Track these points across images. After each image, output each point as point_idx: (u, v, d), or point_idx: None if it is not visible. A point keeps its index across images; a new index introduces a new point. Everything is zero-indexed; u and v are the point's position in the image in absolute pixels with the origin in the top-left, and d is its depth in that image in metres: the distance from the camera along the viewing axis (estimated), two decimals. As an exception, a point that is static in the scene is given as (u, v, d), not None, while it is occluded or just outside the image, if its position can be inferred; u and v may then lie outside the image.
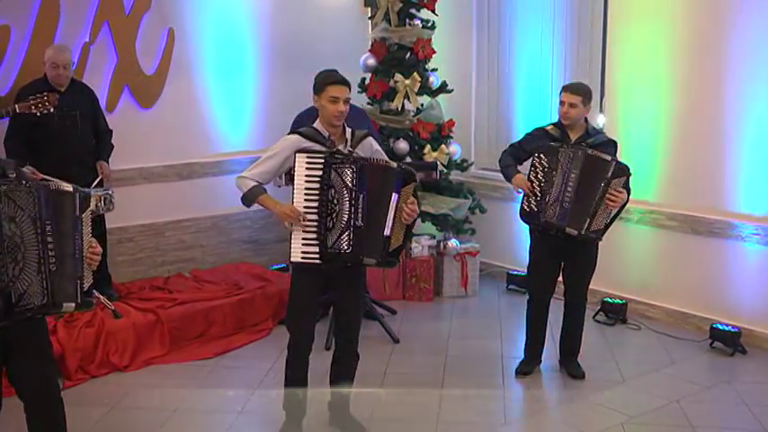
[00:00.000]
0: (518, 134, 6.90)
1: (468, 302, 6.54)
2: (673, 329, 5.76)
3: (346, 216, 3.89)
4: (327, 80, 4.02)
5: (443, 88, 6.67)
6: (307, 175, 3.91)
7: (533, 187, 4.75)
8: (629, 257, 6.05)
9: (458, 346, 5.55)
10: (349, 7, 7.45)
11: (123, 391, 4.80)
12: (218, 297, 5.78)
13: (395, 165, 3.95)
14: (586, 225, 4.62)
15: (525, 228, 6.64)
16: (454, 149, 6.62)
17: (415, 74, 6.44)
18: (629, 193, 4.68)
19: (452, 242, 6.64)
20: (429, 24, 6.59)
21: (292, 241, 3.95)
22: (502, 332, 5.85)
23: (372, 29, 7.03)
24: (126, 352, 5.17)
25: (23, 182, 3.15)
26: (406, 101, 6.52)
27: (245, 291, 5.92)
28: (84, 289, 3.29)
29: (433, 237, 6.77)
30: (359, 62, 7.53)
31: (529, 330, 5.08)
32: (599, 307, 6.01)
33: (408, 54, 6.53)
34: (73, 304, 3.21)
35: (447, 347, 5.53)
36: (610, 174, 4.57)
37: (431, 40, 6.53)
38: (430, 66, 6.64)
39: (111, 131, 5.87)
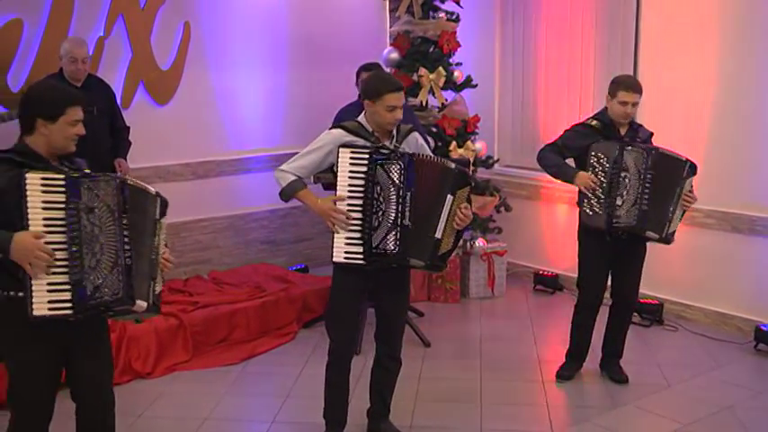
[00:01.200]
0: (544, 130, 6.77)
1: (495, 303, 6.35)
2: (711, 331, 5.57)
3: (393, 215, 3.68)
4: (385, 87, 3.75)
5: (468, 83, 6.46)
6: (351, 171, 3.71)
7: (595, 188, 4.51)
8: (663, 257, 5.81)
9: (491, 350, 5.35)
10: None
11: (149, 399, 4.59)
12: (240, 300, 5.57)
13: (453, 165, 3.74)
14: (667, 229, 4.45)
15: (552, 226, 6.51)
16: (480, 146, 6.41)
17: (440, 68, 6.23)
18: None
19: (479, 241, 6.43)
20: (453, 17, 6.38)
21: (334, 240, 3.74)
22: (535, 334, 5.65)
23: (391, 22, 6.85)
24: (149, 358, 4.96)
25: (103, 174, 3.04)
26: (430, 96, 6.31)
27: (268, 293, 5.71)
28: (156, 292, 3.16)
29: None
30: (378, 56, 7.36)
31: (575, 335, 4.86)
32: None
33: (432, 48, 6.33)
34: (145, 303, 3.07)
35: (480, 351, 5.33)
36: (685, 174, 4.40)
37: (456, 33, 6.33)
38: (453, 60, 6.43)
39: (129, 128, 5.66)
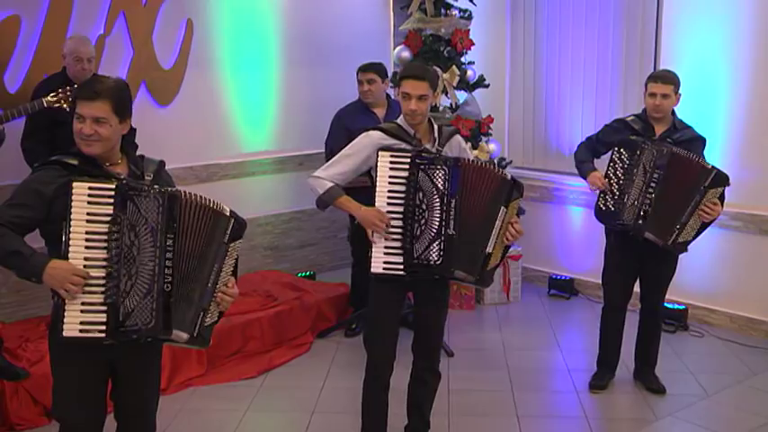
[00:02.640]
0: (556, 132, 6.61)
1: (511, 309, 6.16)
2: (738, 336, 5.44)
3: (437, 223, 3.46)
4: (403, 72, 3.63)
5: (481, 83, 6.27)
6: (391, 176, 3.49)
7: (611, 185, 4.36)
8: (688, 260, 5.60)
9: (517, 359, 5.16)
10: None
11: (168, 417, 4.32)
12: (253, 310, 5.32)
13: (509, 175, 3.51)
14: (674, 236, 4.26)
15: (565, 229, 6.33)
16: (494, 147, 6.22)
17: (453, 67, 6.03)
18: (722, 204, 4.29)
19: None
20: (466, 15, 6.19)
21: (374, 250, 3.51)
22: (558, 342, 5.47)
23: (395, 20, 6.65)
24: (163, 373, 4.61)
25: (155, 186, 2.76)
26: (443, 95, 6.11)
27: (282, 302, 5.48)
28: (207, 324, 2.88)
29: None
30: (382, 54, 7.17)
31: (604, 342, 4.70)
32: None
33: (445, 46, 6.12)
34: (186, 335, 2.79)
35: (506, 360, 5.13)
36: (708, 182, 4.19)
37: (469, 31, 6.13)
38: (465, 59, 6.23)
39: (135, 130, 5.29)
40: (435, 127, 3.65)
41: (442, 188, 3.45)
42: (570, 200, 6.42)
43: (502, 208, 3.49)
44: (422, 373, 3.82)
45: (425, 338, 3.79)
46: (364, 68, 5.37)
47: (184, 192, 2.81)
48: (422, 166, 3.45)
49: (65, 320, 2.64)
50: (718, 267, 5.61)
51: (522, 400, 4.55)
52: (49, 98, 4.45)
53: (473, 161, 3.56)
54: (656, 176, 4.25)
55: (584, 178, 4.51)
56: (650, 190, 4.26)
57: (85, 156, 2.75)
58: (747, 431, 4.15)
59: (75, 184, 2.62)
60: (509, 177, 3.54)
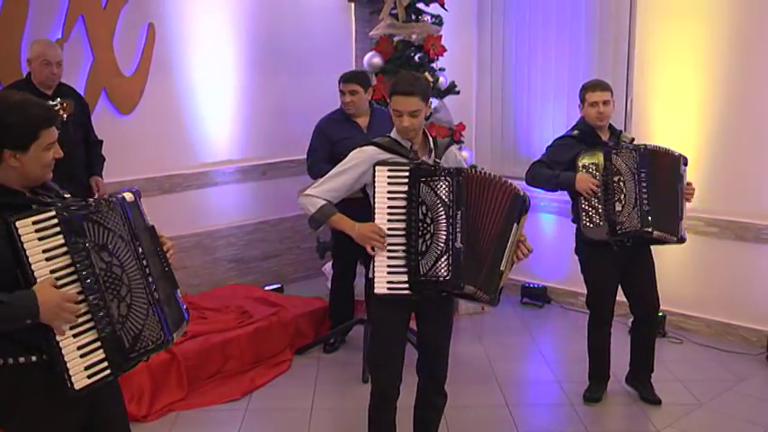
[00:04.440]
0: (527, 140, 6.56)
1: (486, 319, 6.08)
2: (716, 341, 5.47)
3: (443, 236, 3.29)
4: (393, 88, 3.42)
5: (451, 89, 6.17)
6: (390, 192, 3.32)
7: (597, 190, 4.31)
8: (664, 266, 5.61)
9: (504, 371, 5.07)
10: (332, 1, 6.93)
11: (155, 447, 4.09)
12: (231, 327, 5.09)
13: (521, 190, 3.36)
14: (682, 228, 4.34)
15: (536, 237, 6.28)
16: (466, 155, 6.12)
17: (426, 74, 5.90)
18: None
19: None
20: (437, 20, 6.08)
21: (376, 270, 3.33)
22: (542, 352, 5.42)
23: (357, 25, 6.50)
24: (143, 398, 4.44)
25: (102, 199, 2.56)
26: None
27: (258, 319, 5.25)
28: (183, 306, 2.77)
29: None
30: (345, 59, 7.04)
31: (595, 354, 4.64)
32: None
33: (416, 52, 6.00)
34: (181, 330, 2.72)
35: (493, 373, 5.04)
36: (683, 167, 4.34)
37: (441, 37, 6.02)
38: (437, 65, 6.12)
39: (101, 141, 5.13)
40: (430, 138, 3.52)
41: (447, 200, 3.29)
42: (541, 207, 6.37)
43: (515, 225, 3.37)
44: (430, 396, 3.67)
45: (432, 361, 3.63)
46: (347, 79, 5.09)
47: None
48: (423, 179, 3.29)
49: (70, 372, 2.37)
50: (694, 273, 5.65)
51: (521, 416, 4.46)
52: None
53: (477, 171, 3.43)
54: (643, 176, 4.28)
55: (569, 187, 4.39)
56: (644, 191, 4.28)
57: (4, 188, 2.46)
58: (749, 440, 4.17)
59: (19, 224, 2.31)
60: (521, 193, 3.42)
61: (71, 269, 2.40)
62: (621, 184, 4.28)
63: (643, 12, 5.71)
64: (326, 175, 3.52)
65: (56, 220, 2.38)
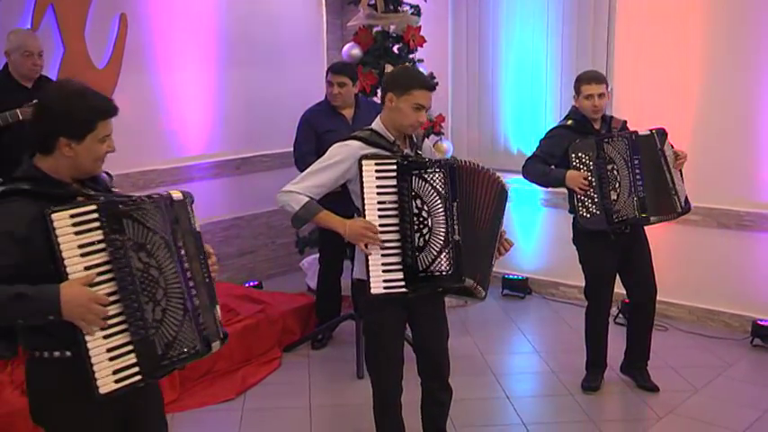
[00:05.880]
0: (504, 130, 6.54)
1: (469, 311, 6.03)
2: (699, 328, 5.56)
3: (443, 229, 3.19)
4: (415, 82, 3.30)
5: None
6: (379, 186, 3.18)
7: (587, 187, 4.32)
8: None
9: (497, 364, 5.05)
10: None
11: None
12: (219, 326, 4.94)
13: (505, 183, 3.35)
14: (681, 202, 4.43)
15: (516, 228, 6.28)
16: (446, 146, 6.09)
17: (407, 65, 5.83)
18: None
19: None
20: (415, 11, 6.01)
21: (370, 269, 3.18)
22: (532, 343, 5.41)
23: (328, 17, 6.40)
24: (136, 402, 4.27)
25: (147, 196, 2.44)
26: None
27: (245, 316, 5.12)
28: (219, 318, 2.65)
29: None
30: (317, 52, 6.95)
31: (593, 343, 4.64)
32: (618, 309, 5.67)
33: (396, 43, 5.92)
34: (219, 342, 2.61)
35: (488, 366, 5.00)
36: (658, 144, 4.38)
37: (420, 28, 5.96)
38: (415, 57, 6.06)
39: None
40: None
41: (443, 192, 3.20)
42: (521, 198, 6.36)
43: (502, 217, 3.38)
44: (436, 393, 3.60)
45: (434, 361, 3.56)
46: (337, 71, 5.02)
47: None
48: (416, 172, 3.18)
49: (96, 375, 2.26)
50: (677, 261, 5.69)
51: (522, 407, 4.44)
52: (22, 110, 3.93)
53: (467, 162, 3.36)
54: (637, 163, 4.33)
55: (560, 185, 4.40)
56: (638, 177, 4.32)
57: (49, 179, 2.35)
58: (751, 423, 4.21)
59: (54, 217, 2.20)
60: (505, 185, 3.40)
61: (107, 267, 2.29)
62: (615, 172, 4.30)
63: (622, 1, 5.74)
64: (308, 170, 3.35)
65: (96, 215, 2.26)
